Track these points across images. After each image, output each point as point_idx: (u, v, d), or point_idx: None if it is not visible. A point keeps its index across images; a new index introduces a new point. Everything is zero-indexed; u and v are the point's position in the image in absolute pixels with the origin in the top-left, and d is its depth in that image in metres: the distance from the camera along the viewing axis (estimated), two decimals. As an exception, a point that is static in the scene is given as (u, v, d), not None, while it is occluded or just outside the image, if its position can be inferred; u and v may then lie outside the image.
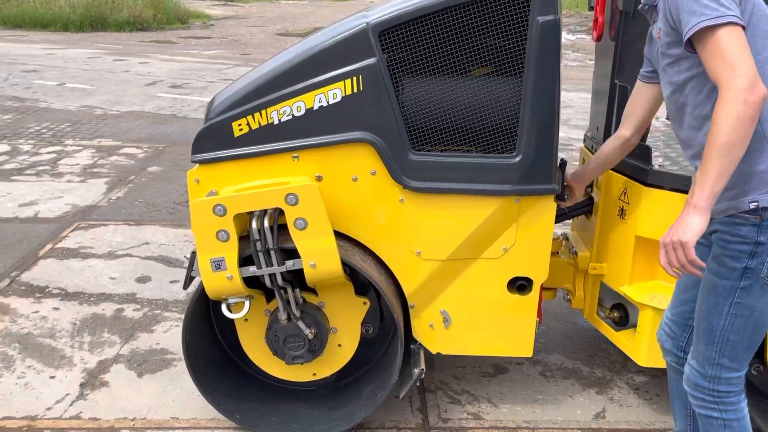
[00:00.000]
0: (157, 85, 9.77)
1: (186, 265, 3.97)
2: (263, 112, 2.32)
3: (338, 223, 2.43)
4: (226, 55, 13.07)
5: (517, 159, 2.35)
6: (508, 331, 2.61)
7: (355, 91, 2.30)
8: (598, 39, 2.78)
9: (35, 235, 4.49)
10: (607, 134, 2.77)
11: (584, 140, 3.10)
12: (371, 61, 2.28)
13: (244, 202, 2.25)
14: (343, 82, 2.29)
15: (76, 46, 13.43)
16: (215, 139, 2.36)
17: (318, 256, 2.30)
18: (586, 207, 2.86)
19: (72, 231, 4.57)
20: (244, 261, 2.35)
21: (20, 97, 8.80)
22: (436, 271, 2.51)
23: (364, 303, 2.57)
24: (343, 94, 2.30)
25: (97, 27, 16.42)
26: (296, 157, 2.37)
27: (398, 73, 2.32)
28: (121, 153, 6.46)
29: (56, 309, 3.54)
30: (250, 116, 2.33)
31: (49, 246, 4.32)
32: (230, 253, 2.29)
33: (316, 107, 2.31)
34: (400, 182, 2.38)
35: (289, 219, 2.26)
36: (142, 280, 3.89)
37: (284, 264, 2.32)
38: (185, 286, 2.50)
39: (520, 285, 2.55)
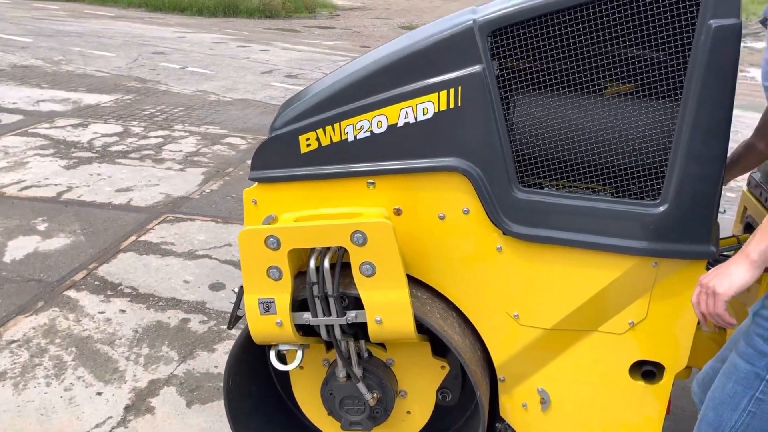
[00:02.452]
0: (273, 73, 9.72)
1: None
2: (336, 125, 1.88)
3: (417, 268, 1.96)
4: (346, 46, 12.90)
5: (662, 208, 1.75)
6: (626, 425, 2.02)
7: (452, 106, 1.80)
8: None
9: (122, 224, 4.37)
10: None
11: (748, 183, 2.41)
12: (475, 69, 1.77)
13: (301, 237, 1.83)
14: (436, 94, 1.80)
15: (206, 31, 13.81)
16: (279, 153, 1.96)
17: (386, 310, 1.84)
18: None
19: (158, 224, 4.41)
20: (299, 305, 1.93)
21: (144, 78, 9.03)
22: (537, 340, 1.97)
23: (443, 367, 2.08)
24: (436, 110, 1.81)
25: (229, 13, 16.90)
26: (372, 183, 1.91)
27: (510, 86, 1.80)
28: (224, 142, 6.33)
29: (122, 312, 3.33)
30: (321, 130, 1.90)
31: (132, 238, 4.18)
32: (282, 294, 1.88)
33: (400, 124, 1.84)
34: (499, 226, 1.86)
35: (355, 262, 1.81)
36: (216, 287, 3.62)
37: (345, 315, 1.88)
38: (230, 326, 2.13)
39: (647, 371, 1.95)
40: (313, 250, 1.86)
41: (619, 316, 1.90)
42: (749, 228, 2.32)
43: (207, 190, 5.07)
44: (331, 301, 1.87)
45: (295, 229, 1.83)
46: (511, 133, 1.81)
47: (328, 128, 1.89)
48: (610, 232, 1.81)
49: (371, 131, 1.86)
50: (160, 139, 6.32)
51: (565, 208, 1.82)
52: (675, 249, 1.78)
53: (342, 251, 1.86)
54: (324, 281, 1.85)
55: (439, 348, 2.07)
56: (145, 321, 3.25)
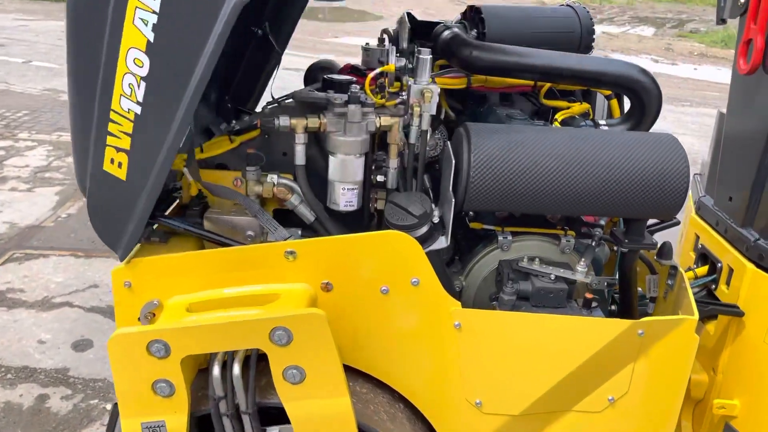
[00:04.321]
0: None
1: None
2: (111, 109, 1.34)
3: (354, 354, 1.52)
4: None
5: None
6: None
7: None
8: (752, 71, 1.86)
9: (-46, 268, 3.55)
10: (753, 209, 1.88)
11: (698, 208, 2.20)
12: None
13: (199, 340, 1.33)
14: None
15: (53, 18, 12.29)
16: (109, 203, 1.42)
17: (321, 425, 1.39)
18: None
19: (3, 263, 3.62)
20: (199, 421, 1.44)
21: (-22, 75, 7.77)
22: (503, 430, 1.61)
23: (387, 469, 1.67)
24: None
25: (78, -4, 15.22)
26: (291, 253, 1.44)
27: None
28: (82, 152, 5.47)
29: (-43, 393, 2.61)
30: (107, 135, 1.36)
31: (-32, 286, 3.38)
32: (175, 415, 1.37)
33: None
34: (457, 295, 1.47)
35: (276, 366, 1.34)
36: (81, 345, 2.97)
37: (264, 433, 1.42)
38: (102, 456, 1.60)
39: (628, 452, 1.66)
40: (215, 353, 1.37)
41: (598, 392, 1.58)
42: (704, 259, 2.11)
43: (63, 215, 4.28)
44: (245, 418, 1.40)
45: (190, 331, 1.32)
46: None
47: (111, 125, 1.35)
48: (589, 296, 1.47)
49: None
50: (1, 152, 5.35)
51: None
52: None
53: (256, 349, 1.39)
54: (234, 393, 1.37)
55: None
56: (-11, 404, 2.57)
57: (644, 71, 1.74)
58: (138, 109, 1.32)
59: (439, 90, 1.61)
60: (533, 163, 1.46)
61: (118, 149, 1.35)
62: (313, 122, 1.46)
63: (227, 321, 1.33)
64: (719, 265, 1.99)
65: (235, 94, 2.39)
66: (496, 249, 1.69)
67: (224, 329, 1.32)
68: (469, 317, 1.50)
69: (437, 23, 2.22)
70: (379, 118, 1.52)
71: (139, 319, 1.47)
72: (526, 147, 1.46)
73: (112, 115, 1.34)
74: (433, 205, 1.54)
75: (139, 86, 1.30)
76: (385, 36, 2.11)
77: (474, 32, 1.85)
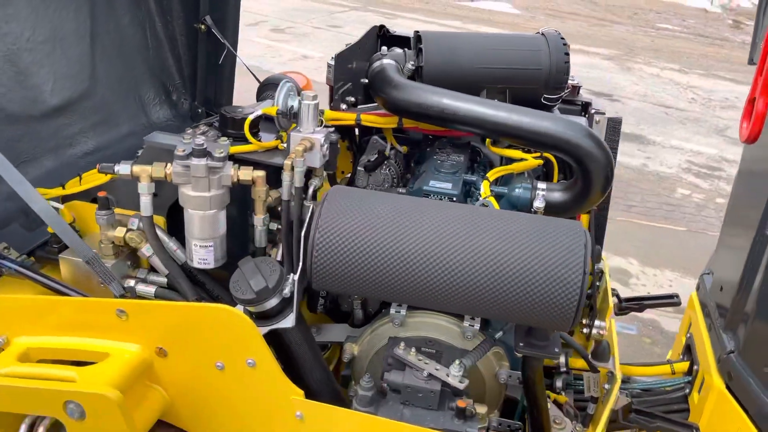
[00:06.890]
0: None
1: None
2: None
3: (193, 423, 1.40)
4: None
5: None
6: None
7: None
8: (750, 139, 1.43)
9: None
10: (738, 311, 1.49)
11: (698, 287, 1.79)
12: None
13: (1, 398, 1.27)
14: None
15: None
16: None
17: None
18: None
19: None
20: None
21: None
22: None
23: None
24: None
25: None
26: (122, 313, 1.33)
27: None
28: None
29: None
30: None
31: None
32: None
33: None
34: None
35: (75, 440, 1.26)
36: None
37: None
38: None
39: None
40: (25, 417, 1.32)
41: None
42: (689, 352, 1.72)
43: None
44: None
45: (-8, 389, 1.27)
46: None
47: None
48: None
49: None
50: None
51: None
52: None
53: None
54: (43, 454, 1.31)
55: None
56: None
57: (591, 135, 1.39)
58: None
59: (322, 140, 1.39)
60: (387, 248, 1.21)
61: None
62: (158, 171, 1.31)
63: (24, 386, 1.26)
64: (696, 367, 1.62)
65: (204, 97, 2.29)
66: (388, 322, 1.47)
67: (22, 393, 1.26)
68: (312, 410, 1.31)
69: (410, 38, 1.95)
70: (238, 171, 1.34)
71: (-13, 352, 1.45)
72: (383, 228, 1.22)
73: None
74: (292, 276, 1.35)
75: None
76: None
77: (410, 64, 1.58)
